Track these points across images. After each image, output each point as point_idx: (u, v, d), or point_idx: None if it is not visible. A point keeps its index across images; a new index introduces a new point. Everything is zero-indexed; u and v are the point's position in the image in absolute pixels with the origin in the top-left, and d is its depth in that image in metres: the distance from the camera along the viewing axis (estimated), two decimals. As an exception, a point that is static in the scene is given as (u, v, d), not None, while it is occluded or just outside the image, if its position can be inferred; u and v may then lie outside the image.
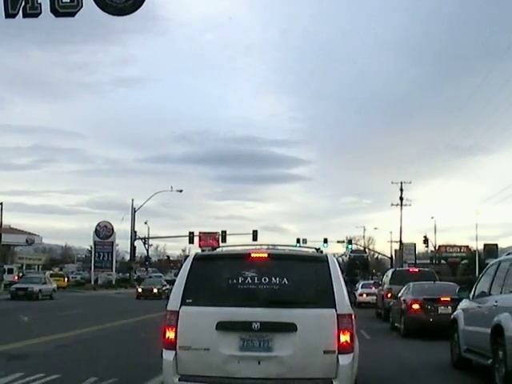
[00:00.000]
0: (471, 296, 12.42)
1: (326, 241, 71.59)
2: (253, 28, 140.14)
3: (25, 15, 10.53)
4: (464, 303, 12.83)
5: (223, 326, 6.83)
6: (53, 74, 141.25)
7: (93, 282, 68.92)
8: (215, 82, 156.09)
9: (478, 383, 11.32)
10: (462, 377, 11.85)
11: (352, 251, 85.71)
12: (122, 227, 75.12)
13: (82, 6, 10.48)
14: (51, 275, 57.80)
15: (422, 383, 11.31)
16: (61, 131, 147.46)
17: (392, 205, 74.72)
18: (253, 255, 7.35)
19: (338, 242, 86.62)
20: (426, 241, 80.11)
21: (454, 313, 13.44)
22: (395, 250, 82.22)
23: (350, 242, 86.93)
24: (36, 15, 10.55)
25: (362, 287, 41.23)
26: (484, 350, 10.60)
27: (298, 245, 48.38)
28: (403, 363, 13.35)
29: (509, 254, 11.53)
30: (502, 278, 10.82)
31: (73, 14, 10.54)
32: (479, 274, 12.28)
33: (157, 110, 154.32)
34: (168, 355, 6.90)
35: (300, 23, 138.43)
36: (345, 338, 6.79)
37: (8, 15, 10.53)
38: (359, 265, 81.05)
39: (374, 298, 32.80)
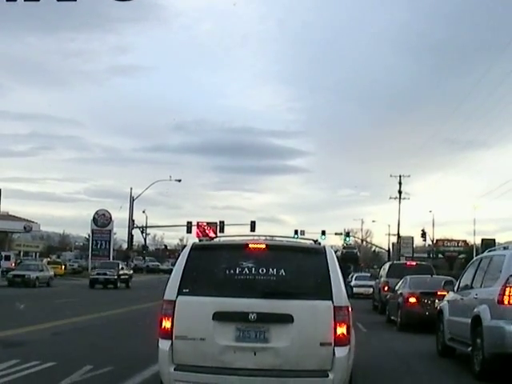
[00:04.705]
0: (456, 289, 13.28)
1: (323, 233, 71.79)
2: (251, 18, 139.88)
3: None
4: (449, 295, 13.70)
5: (220, 316, 6.81)
6: (51, 61, 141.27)
7: (90, 270, 68.90)
8: (213, 72, 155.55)
9: (458, 369, 11.91)
10: (445, 363, 12.60)
11: (344, 247, 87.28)
12: (119, 216, 75.28)
13: (83, -9, 10.34)
14: (48, 263, 57.78)
15: (409, 369, 11.77)
16: (59, 119, 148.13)
17: (390, 198, 74.87)
18: (250, 246, 7.32)
19: (336, 234, 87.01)
20: (423, 234, 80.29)
21: (440, 304, 14.37)
22: (393, 244, 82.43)
23: (347, 234, 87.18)
24: None
25: (355, 279, 43.64)
26: (465, 338, 11.46)
27: (295, 236, 48.48)
28: (396, 353, 13.88)
29: (504, 248, 11.75)
30: (483, 272, 11.67)
31: None
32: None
33: (154, 99, 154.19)
34: (164, 345, 6.88)
35: (298, 14, 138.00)
36: (341, 330, 6.78)
37: None
38: (354, 255, 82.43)
39: (368, 289, 34.91)
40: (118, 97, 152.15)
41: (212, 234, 62.54)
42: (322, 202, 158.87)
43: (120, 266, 46.59)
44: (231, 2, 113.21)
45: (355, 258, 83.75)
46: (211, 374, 6.72)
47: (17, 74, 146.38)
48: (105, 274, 43.87)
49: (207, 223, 77.29)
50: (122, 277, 45.38)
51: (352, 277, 45.94)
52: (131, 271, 52.38)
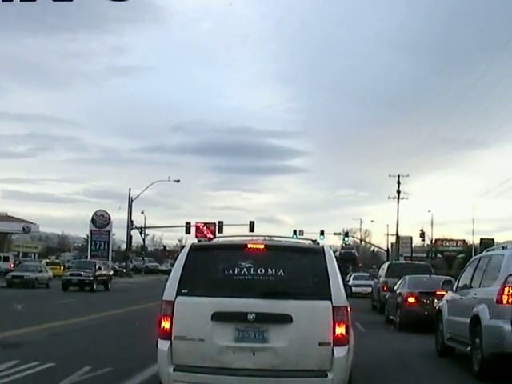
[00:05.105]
0: (454, 288, 13.27)
1: (322, 233, 71.71)
2: (249, 18, 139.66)
3: None
4: (448, 295, 13.70)
5: (219, 317, 6.82)
6: (49, 62, 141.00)
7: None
8: (211, 72, 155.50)
9: (457, 368, 11.92)
10: (444, 363, 12.57)
11: (342, 248, 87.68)
12: (118, 216, 75.25)
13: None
14: (47, 263, 57.67)
15: (408, 369, 11.72)
16: (57, 119, 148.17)
17: (389, 198, 74.91)
18: (249, 246, 7.33)
19: (335, 234, 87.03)
20: (422, 234, 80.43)
21: (439, 304, 14.33)
22: (391, 243, 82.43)
23: (346, 234, 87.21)
24: None
25: (353, 279, 44.57)
26: (464, 338, 11.45)
27: (294, 236, 48.49)
28: (395, 353, 13.88)
29: (503, 247, 11.74)
30: (481, 272, 11.65)
31: None
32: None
33: (152, 99, 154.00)
34: (163, 345, 6.89)
35: (297, 14, 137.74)
36: (340, 330, 6.78)
37: None
38: (352, 255, 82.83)
39: (365, 288, 37.30)
40: (116, 97, 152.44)
41: (210, 235, 62.53)
42: (320, 202, 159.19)
43: (97, 266, 41.86)
44: (229, 2, 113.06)
45: (353, 258, 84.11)
46: (210, 375, 6.72)
47: (15, 74, 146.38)
48: (79, 275, 38.76)
49: (205, 223, 77.38)
50: (100, 278, 40.74)
51: (350, 276, 46.48)
52: (111, 271, 47.16)
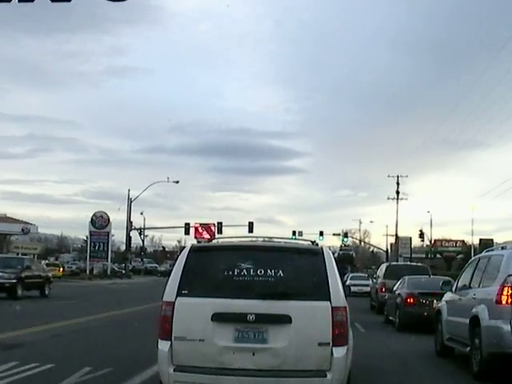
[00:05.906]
0: (454, 289, 13.30)
1: (321, 233, 71.88)
2: (247, 19, 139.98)
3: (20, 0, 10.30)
4: (448, 295, 13.71)
5: (218, 317, 6.84)
6: (47, 62, 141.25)
7: (88, 272, 68.94)
8: (210, 73, 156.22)
9: (456, 369, 11.92)
10: (443, 363, 12.59)
11: (341, 249, 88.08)
12: (117, 217, 75.37)
13: (78, -9, 10.23)
14: (47, 265, 57.67)
15: (407, 369, 11.74)
16: (56, 120, 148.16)
17: (388, 198, 75.19)
18: (249, 247, 7.36)
19: (334, 234, 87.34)
20: (421, 235, 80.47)
21: (439, 304, 14.37)
22: (391, 244, 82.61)
23: (345, 235, 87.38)
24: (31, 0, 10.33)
25: (351, 279, 46.65)
26: (463, 338, 11.47)
27: (293, 237, 48.56)
28: (394, 353, 13.90)
29: (502, 248, 11.76)
30: (481, 272, 11.69)
31: None
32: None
33: (151, 100, 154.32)
34: (163, 346, 6.91)
35: (295, 14, 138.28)
36: (339, 330, 6.81)
37: None
38: (349, 256, 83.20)
39: (361, 288, 40.90)
40: (115, 98, 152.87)
41: (207, 236, 62.58)
42: (320, 202, 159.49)
43: (25, 265, 31.08)
44: (226, 3, 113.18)
45: (351, 258, 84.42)
46: (210, 375, 6.75)
47: (13, 75, 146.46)
48: None
49: (202, 224, 77.45)
50: (29, 280, 30.48)
51: (347, 277, 47.63)
52: (50, 273, 36.58)
